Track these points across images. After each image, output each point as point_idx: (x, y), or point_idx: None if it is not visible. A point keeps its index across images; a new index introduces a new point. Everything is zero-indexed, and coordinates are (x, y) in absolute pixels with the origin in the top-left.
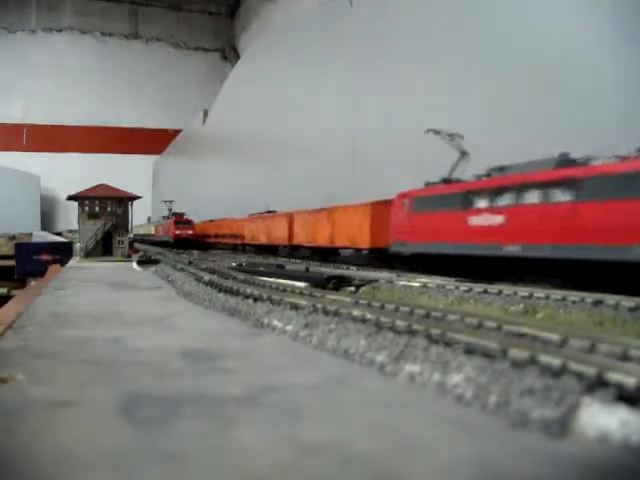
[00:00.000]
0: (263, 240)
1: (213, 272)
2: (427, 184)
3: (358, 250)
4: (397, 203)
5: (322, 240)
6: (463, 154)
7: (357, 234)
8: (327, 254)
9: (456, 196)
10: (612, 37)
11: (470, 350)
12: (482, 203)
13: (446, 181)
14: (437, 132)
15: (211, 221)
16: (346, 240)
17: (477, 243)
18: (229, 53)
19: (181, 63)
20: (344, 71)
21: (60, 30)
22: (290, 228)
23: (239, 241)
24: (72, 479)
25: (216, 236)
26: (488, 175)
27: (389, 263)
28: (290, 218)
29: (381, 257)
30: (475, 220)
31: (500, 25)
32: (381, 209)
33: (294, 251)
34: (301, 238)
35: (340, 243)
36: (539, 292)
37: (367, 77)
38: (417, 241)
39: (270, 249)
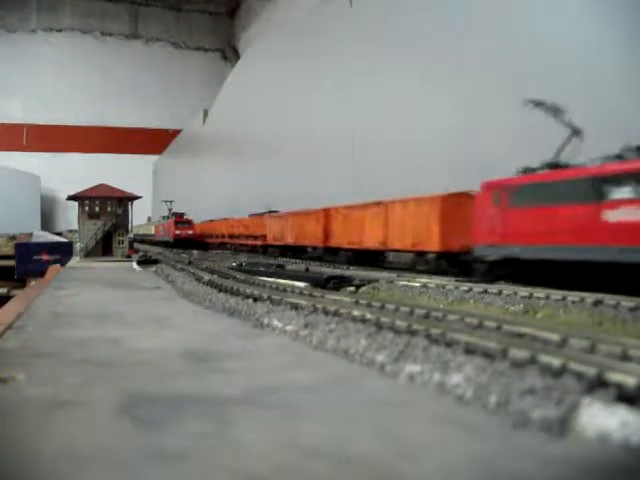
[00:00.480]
0: (289, 240)
1: (213, 272)
2: (526, 170)
3: (420, 254)
4: (484, 195)
5: (371, 241)
6: (575, 132)
7: (421, 234)
8: (376, 258)
9: (581, 184)
10: (612, 37)
11: (470, 350)
12: (626, 193)
13: (553, 166)
14: (539, 103)
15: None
16: (405, 241)
17: (619, 245)
18: (229, 53)
19: (181, 63)
20: (344, 71)
21: (60, 30)
22: (326, 226)
23: (259, 242)
24: (72, 479)
25: (230, 237)
26: (620, 157)
27: (465, 270)
28: (326, 214)
29: (453, 263)
30: (615, 215)
31: (500, 24)
32: (454, 203)
33: (331, 254)
34: (341, 238)
35: (396, 245)
36: (539, 292)
37: (367, 77)
38: (515, 243)
39: (299, 251)
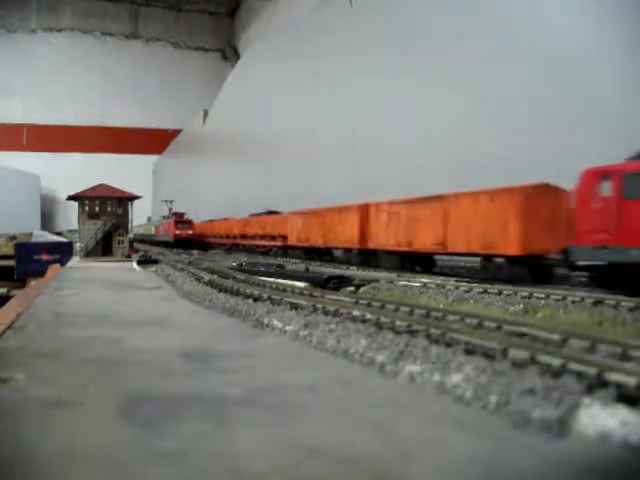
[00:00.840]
0: (317, 242)
1: (213, 272)
2: None
3: (489, 258)
4: (586, 185)
5: (424, 243)
6: None
7: (495, 234)
8: (430, 263)
9: None
10: (614, 38)
11: (470, 350)
12: None
13: None
14: None
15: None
16: (471, 243)
17: None
18: (229, 53)
19: (181, 63)
20: (344, 71)
21: (60, 30)
22: (362, 225)
23: (279, 243)
24: (72, 479)
25: (243, 237)
26: None
27: (545, 278)
28: (363, 211)
29: (536, 270)
30: None
31: (500, 25)
32: (537, 196)
33: (368, 257)
34: (382, 239)
35: (459, 247)
36: (539, 292)
37: (367, 76)
38: (635, 244)
39: (326, 254)
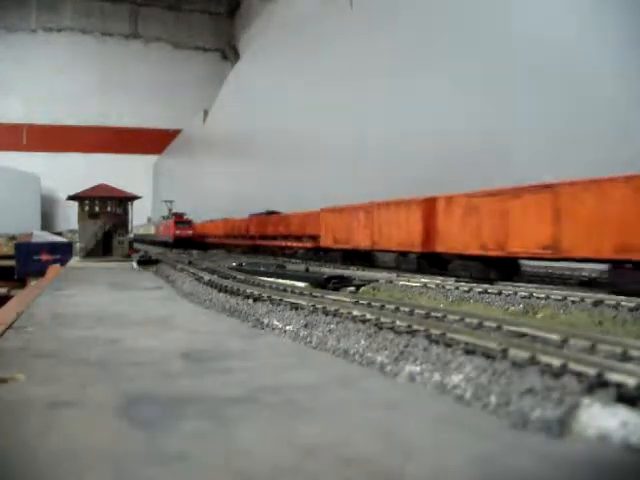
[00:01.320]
0: (362, 243)
1: (213, 272)
2: None
3: (619, 264)
4: None
5: (520, 246)
6: None
7: (636, 233)
8: (513, 269)
9: None
10: (615, 38)
11: (470, 350)
12: None
13: None
14: None
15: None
16: (599, 245)
17: None
18: (229, 53)
19: (181, 63)
20: (344, 71)
21: (60, 30)
22: (428, 223)
23: (309, 244)
24: (72, 479)
25: (262, 237)
26: None
27: None
28: (428, 206)
29: None
30: None
31: (501, 25)
32: None
33: (433, 263)
34: (457, 241)
35: (580, 251)
36: (539, 292)
37: (368, 77)
38: None
39: (367, 257)
